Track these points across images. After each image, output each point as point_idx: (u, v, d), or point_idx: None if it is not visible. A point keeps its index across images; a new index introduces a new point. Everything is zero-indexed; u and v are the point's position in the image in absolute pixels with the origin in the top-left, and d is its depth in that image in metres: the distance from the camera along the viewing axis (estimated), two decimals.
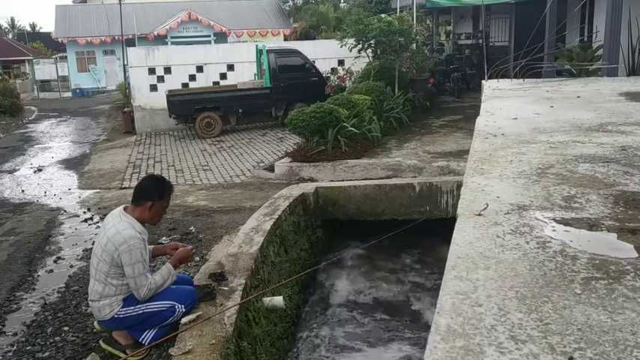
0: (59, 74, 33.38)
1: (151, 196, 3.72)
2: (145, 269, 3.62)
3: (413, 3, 15.98)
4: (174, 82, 15.35)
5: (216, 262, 4.76)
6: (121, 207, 3.79)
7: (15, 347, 4.07)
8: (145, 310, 3.66)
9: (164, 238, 6.14)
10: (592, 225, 2.34)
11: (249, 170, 9.96)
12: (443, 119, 12.32)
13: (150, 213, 3.72)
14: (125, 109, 16.56)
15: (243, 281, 4.28)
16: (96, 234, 6.38)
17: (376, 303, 5.93)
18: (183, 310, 3.73)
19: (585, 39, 11.69)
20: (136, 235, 3.59)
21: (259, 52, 14.46)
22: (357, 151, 9.15)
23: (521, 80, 8.15)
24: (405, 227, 6.61)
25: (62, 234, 6.88)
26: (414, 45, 14.35)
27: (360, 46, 12.82)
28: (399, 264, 6.78)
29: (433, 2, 16.52)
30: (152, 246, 4.04)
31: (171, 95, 13.78)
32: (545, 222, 2.37)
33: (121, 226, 3.60)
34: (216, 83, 15.69)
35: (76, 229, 7.05)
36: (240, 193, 8.30)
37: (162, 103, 14.23)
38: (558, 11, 10.58)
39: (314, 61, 14.77)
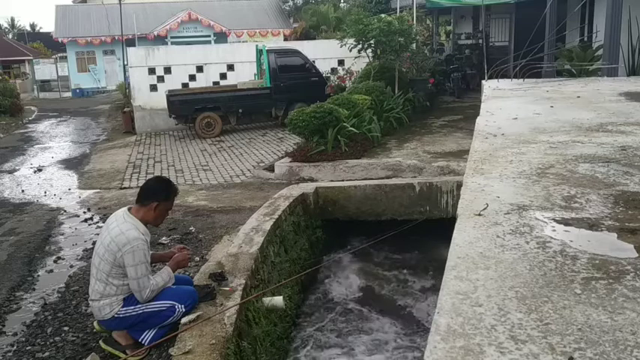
0: (59, 74, 33.43)
1: (157, 196, 3.77)
2: (147, 271, 3.63)
3: (413, 3, 15.97)
4: (174, 82, 15.36)
5: (216, 262, 4.76)
6: (125, 208, 3.81)
7: (15, 347, 4.07)
8: (145, 310, 3.67)
9: (164, 237, 6.14)
10: (592, 225, 2.33)
11: (249, 170, 9.96)
12: (443, 119, 12.31)
13: (155, 213, 3.76)
14: (125, 109, 16.56)
15: (243, 281, 4.28)
16: (96, 234, 6.39)
17: (376, 303, 5.93)
18: (183, 310, 3.74)
19: (585, 39, 11.67)
20: (140, 237, 3.61)
21: (259, 52, 14.46)
22: (357, 151, 9.14)
23: (521, 80, 8.14)
24: (405, 227, 6.60)
25: (62, 234, 6.87)
26: (414, 45, 14.33)
27: (360, 46, 12.82)
28: (398, 264, 6.78)
29: (433, 2, 16.51)
30: (151, 252, 4.04)
31: (171, 95, 13.78)
32: (545, 222, 2.37)
33: (125, 227, 3.62)
34: (216, 83, 15.70)
35: (76, 229, 7.05)
36: (240, 193, 8.30)
37: (163, 103, 14.23)
38: (558, 11, 10.58)
39: (314, 61, 14.77)
